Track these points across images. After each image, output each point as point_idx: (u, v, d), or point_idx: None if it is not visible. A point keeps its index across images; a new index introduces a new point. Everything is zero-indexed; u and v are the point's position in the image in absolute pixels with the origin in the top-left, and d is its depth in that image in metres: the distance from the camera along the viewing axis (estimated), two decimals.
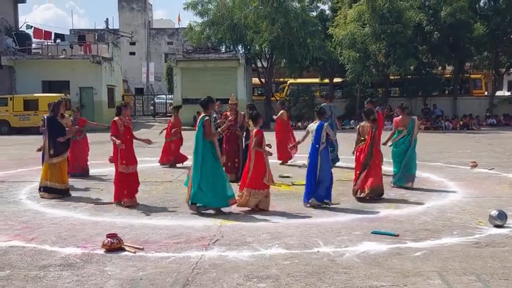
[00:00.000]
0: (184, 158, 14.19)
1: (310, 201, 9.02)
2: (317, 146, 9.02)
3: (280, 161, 14.52)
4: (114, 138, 9.21)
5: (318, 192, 8.98)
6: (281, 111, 15.25)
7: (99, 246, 6.57)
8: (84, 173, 12.72)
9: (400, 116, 11.09)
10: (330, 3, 35.42)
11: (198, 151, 8.50)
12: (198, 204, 8.57)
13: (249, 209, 8.68)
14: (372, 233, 7.18)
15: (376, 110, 11.76)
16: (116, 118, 9.34)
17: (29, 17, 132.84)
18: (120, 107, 9.66)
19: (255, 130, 8.81)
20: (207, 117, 8.58)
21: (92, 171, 13.07)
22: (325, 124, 9.15)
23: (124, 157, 9.25)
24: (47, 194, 10.02)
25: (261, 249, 6.51)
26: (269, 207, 8.70)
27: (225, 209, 8.66)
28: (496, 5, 32.31)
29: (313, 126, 9.25)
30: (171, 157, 14.42)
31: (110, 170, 13.55)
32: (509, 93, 40.39)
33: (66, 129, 10.45)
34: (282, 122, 15.35)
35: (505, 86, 43.41)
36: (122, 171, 9.24)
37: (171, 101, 38.06)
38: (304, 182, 9.74)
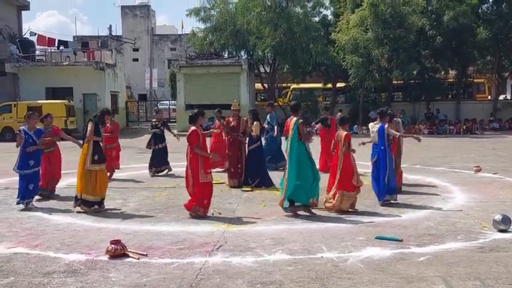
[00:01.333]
0: (117, 167, 13.86)
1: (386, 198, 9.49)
2: (382, 147, 9.48)
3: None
4: (200, 151, 8.61)
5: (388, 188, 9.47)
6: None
7: (103, 253, 6.58)
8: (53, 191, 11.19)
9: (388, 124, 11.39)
10: (332, 8, 35.44)
11: (292, 152, 8.77)
12: (296, 204, 8.80)
13: (254, 216, 8.68)
14: (375, 238, 7.17)
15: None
16: (194, 127, 8.71)
17: (33, 24, 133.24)
18: (198, 114, 8.93)
19: (344, 134, 9.10)
20: (301, 120, 8.92)
21: None
22: (386, 126, 9.61)
23: (207, 167, 8.78)
24: (85, 208, 9.28)
25: (264, 255, 6.51)
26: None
27: (228, 215, 8.67)
28: (498, 9, 32.28)
29: (375, 127, 9.77)
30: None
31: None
32: None
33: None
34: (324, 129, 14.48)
35: (508, 90, 43.30)
36: (203, 181, 8.65)
37: (174, 106, 38.09)
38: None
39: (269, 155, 14.16)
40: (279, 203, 8.99)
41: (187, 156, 8.74)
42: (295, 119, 8.89)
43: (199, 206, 8.70)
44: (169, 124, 15.38)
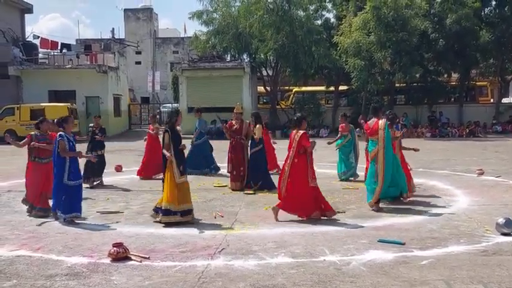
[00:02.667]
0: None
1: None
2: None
3: None
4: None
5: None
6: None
7: (105, 256, 6.58)
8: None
9: (343, 124, 13.29)
10: (334, 11, 35.45)
11: (388, 151, 9.39)
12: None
13: (257, 219, 8.67)
14: (378, 241, 7.16)
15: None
16: (303, 131, 8.66)
17: (35, 27, 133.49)
18: (302, 118, 8.82)
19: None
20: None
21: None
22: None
23: (313, 171, 8.70)
24: (178, 218, 8.41)
25: (267, 258, 6.50)
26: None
27: (231, 218, 8.68)
28: (501, 12, 32.26)
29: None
30: None
31: (113, 180, 13.63)
32: None
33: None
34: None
35: (511, 92, 43.23)
36: (313, 186, 8.59)
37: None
38: None
39: (200, 161, 14.45)
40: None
41: (286, 160, 8.68)
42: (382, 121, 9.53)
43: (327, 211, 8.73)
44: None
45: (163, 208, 8.39)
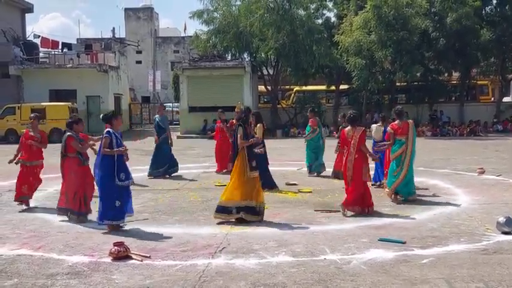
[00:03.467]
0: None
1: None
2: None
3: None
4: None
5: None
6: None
7: (106, 255, 6.59)
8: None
9: (313, 119, 13.98)
10: (335, 10, 35.42)
11: (414, 150, 10.09)
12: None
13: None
14: (378, 240, 7.16)
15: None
16: (362, 127, 9.26)
17: (36, 27, 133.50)
18: (358, 116, 9.53)
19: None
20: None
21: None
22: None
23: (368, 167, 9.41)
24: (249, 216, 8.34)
25: (267, 257, 6.50)
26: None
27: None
28: (502, 11, 32.22)
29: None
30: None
31: None
32: None
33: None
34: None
35: None
36: (365, 180, 9.17)
37: (177, 109, 38.15)
38: (310, 190, 10.17)
39: (165, 161, 14.03)
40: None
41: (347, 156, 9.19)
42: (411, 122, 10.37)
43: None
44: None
45: (218, 205, 8.42)
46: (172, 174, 14.11)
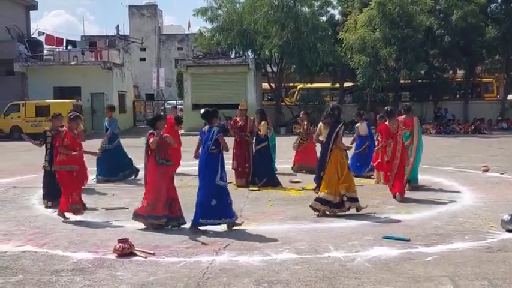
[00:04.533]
0: None
1: None
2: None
3: None
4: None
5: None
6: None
7: (110, 251, 6.61)
8: None
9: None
10: (340, 7, 35.36)
11: (421, 143, 11.19)
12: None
13: (261, 215, 8.68)
14: (382, 238, 7.16)
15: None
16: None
17: (40, 24, 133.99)
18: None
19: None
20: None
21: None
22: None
23: None
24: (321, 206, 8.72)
25: (271, 254, 6.51)
26: None
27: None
28: (507, 8, 32.06)
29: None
30: None
31: None
32: None
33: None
34: None
35: None
36: None
37: (181, 106, 38.16)
38: (314, 187, 10.16)
39: (117, 164, 13.04)
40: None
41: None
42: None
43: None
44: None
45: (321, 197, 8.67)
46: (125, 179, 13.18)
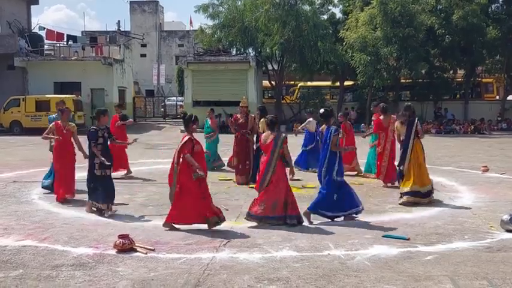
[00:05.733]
0: None
1: None
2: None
3: None
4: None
5: None
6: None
7: (111, 247, 6.61)
8: None
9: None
10: (341, 6, 35.37)
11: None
12: None
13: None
14: (382, 236, 7.17)
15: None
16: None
17: (41, 18, 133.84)
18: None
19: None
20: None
21: None
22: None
23: None
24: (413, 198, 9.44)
25: (271, 252, 6.52)
26: None
27: (235, 211, 8.71)
28: (508, 9, 32.09)
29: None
30: None
31: (118, 172, 13.64)
32: None
33: None
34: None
35: None
36: None
37: (181, 103, 38.16)
38: (314, 185, 10.18)
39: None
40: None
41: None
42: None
43: None
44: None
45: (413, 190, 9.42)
46: None
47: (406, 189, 9.48)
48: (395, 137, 10.75)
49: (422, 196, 9.50)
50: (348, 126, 13.31)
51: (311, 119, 14.14)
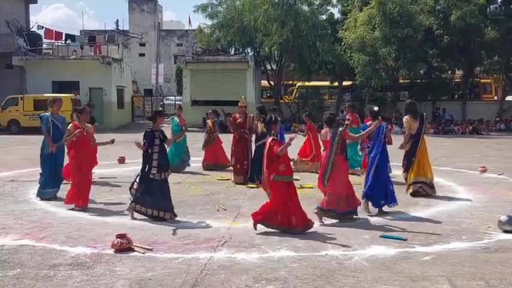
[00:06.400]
0: None
1: None
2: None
3: None
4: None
5: None
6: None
7: (108, 246, 6.61)
8: None
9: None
10: (340, 6, 35.42)
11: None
12: None
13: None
14: (380, 237, 7.18)
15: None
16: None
17: (39, 17, 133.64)
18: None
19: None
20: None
21: (101, 172, 13.09)
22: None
23: None
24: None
25: (269, 252, 6.52)
26: None
27: (233, 211, 8.71)
28: (507, 9, 32.17)
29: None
30: None
31: (116, 171, 13.66)
32: None
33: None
34: None
35: None
36: None
37: (180, 102, 38.15)
38: (312, 185, 10.18)
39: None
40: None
41: None
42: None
43: None
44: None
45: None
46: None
47: (412, 179, 10.21)
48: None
49: (429, 186, 10.27)
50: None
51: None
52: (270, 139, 7.63)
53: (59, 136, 9.95)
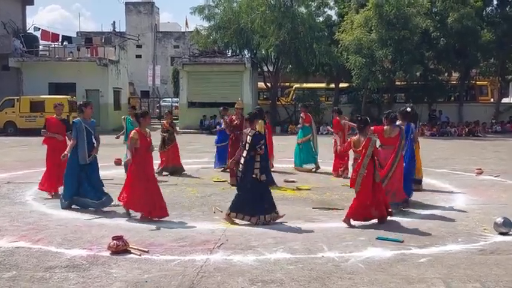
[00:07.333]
0: None
1: None
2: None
3: None
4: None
5: None
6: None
7: (104, 249, 6.60)
8: None
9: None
10: (336, 8, 35.45)
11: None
12: None
13: None
14: (376, 239, 7.18)
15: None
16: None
17: (35, 19, 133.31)
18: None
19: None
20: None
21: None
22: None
23: None
24: None
25: (265, 254, 6.52)
26: None
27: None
28: (503, 12, 32.27)
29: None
30: None
31: (112, 173, 13.63)
32: None
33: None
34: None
35: (511, 92, 43.27)
36: None
37: (176, 104, 38.14)
38: (309, 187, 10.21)
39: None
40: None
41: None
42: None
43: None
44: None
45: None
46: None
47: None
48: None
49: (419, 183, 11.09)
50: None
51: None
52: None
53: (93, 144, 9.28)
